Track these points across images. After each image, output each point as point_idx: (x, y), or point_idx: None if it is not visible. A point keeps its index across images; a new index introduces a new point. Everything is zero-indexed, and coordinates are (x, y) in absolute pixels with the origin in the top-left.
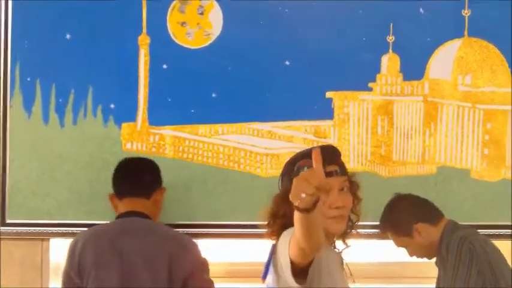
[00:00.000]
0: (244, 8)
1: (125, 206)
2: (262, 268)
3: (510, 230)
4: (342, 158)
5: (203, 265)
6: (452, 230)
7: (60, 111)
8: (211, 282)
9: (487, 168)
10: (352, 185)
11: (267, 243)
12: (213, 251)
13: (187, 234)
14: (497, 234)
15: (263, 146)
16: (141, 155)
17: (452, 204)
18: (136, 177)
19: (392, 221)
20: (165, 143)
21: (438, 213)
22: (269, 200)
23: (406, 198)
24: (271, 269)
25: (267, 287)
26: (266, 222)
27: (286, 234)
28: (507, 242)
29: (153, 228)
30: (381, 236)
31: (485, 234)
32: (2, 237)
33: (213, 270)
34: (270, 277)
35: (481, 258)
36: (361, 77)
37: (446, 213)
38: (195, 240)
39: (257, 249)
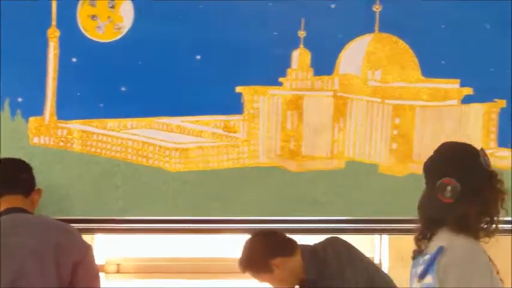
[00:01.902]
0: (155, 1)
1: (5, 204)
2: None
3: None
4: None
5: (89, 250)
6: (310, 251)
7: None
8: (97, 268)
9: (395, 163)
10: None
11: (173, 237)
12: (123, 245)
13: (94, 229)
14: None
15: (172, 140)
16: (49, 149)
17: (360, 198)
18: (14, 175)
19: (250, 260)
20: (73, 137)
21: (292, 242)
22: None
23: (258, 235)
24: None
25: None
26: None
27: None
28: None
29: (35, 221)
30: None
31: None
32: None
33: (124, 266)
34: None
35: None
36: (272, 72)
37: (355, 208)
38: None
39: (166, 244)
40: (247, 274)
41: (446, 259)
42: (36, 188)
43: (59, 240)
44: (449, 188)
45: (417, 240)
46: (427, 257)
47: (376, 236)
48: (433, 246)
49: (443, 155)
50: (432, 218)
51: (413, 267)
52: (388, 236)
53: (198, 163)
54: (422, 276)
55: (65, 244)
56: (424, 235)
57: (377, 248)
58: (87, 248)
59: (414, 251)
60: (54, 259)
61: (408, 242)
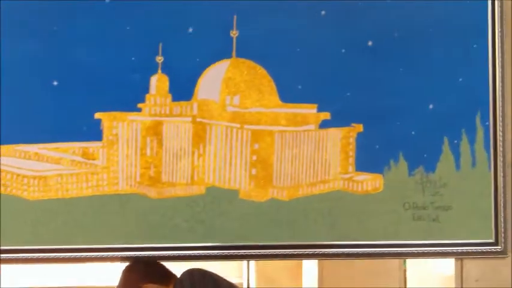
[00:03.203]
0: (13, 23)
1: None
2: None
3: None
4: None
5: None
6: (181, 281)
7: None
8: None
9: (254, 188)
10: None
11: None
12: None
13: None
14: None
15: (30, 168)
16: None
17: (221, 225)
18: None
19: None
20: None
21: (170, 274)
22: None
23: (138, 264)
24: None
25: None
26: None
27: None
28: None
29: None
30: None
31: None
32: None
33: None
34: None
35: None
36: (131, 98)
37: (215, 235)
38: None
39: (29, 274)
40: None
41: None
42: None
43: None
44: None
45: None
46: None
47: (244, 262)
48: None
49: None
50: None
51: None
52: (254, 261)
53: (58, 191)
54: None
55: None
56: None
57: (245, 273)
58: None
59: None
60: None
61: (273, 265)
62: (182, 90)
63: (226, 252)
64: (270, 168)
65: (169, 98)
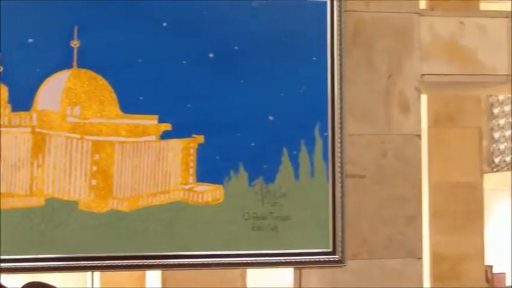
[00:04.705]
0: None
1: None
2: None
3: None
4: None
5: None
6: None
7: None
8: None
9: (94, 199)
10: None
11: None
12: None
13: None
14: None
15: None
16: None
17: (61, 236)
18: None
19: None
20: None
21: None
22: None
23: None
24: None
25: None
26: None
27: None
28: None
29: None
30: None
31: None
32: None
33: None
34: None
35: None
36: None
37: (55, 246)
38: None
39: None
40: None
41: None
42: None
43: None
44: None
45: None
46: None
47: (88, 273)
48: None
49: None
50: None
51: None
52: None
53: None
54: None
55: None
56: None
57: (89, 284)
58: None
59: None
60: None
61: (118, 275)
62: (21, 100)
63: (66, 263)
64: (110, 179)
65: (8, 108)
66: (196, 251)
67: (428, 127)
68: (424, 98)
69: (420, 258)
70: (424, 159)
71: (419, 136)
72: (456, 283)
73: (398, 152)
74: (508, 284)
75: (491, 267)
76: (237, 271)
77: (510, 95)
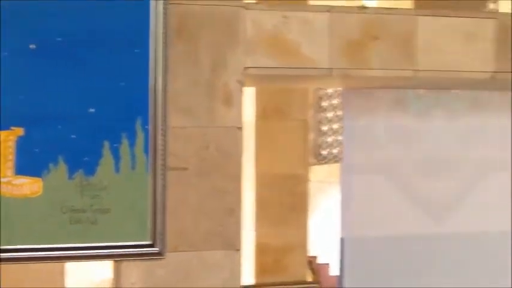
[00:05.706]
0: None
1: None
2: None
3: None
4: None
5: None
6: None
7: None
8: None
9: None
10: None
11: None
12: None
13: None
14: None
15: None
16: None
17: None
18: None
19: None
20: None
21: None
22: None
23: None
24: None
25: None
26: None
27: None
28: None
29: None
30: None
31: None
32: None
33: None
34: None
35: None
36: None
37: None
38: None
39: None
40: None
41: None
42: None
43: None
44: None
45: None
46: None
47: None
48: None
49: None
50: None
51: None
52: None
53: None
54: None
55: None
56: None
57: None
58: None
59: None
60: None
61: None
62: None
63: None
64: None
65: None
66: (15, 245)
67: (256, 120)
68: (252, 91)
69: (239, 249)
70: (250, 151)
71: (240, 128)
72: (280, 274)
73: (219, 145)
74: (331, 274)
75: (315, 257)
76: (57, 269)
77: (337, 89)
